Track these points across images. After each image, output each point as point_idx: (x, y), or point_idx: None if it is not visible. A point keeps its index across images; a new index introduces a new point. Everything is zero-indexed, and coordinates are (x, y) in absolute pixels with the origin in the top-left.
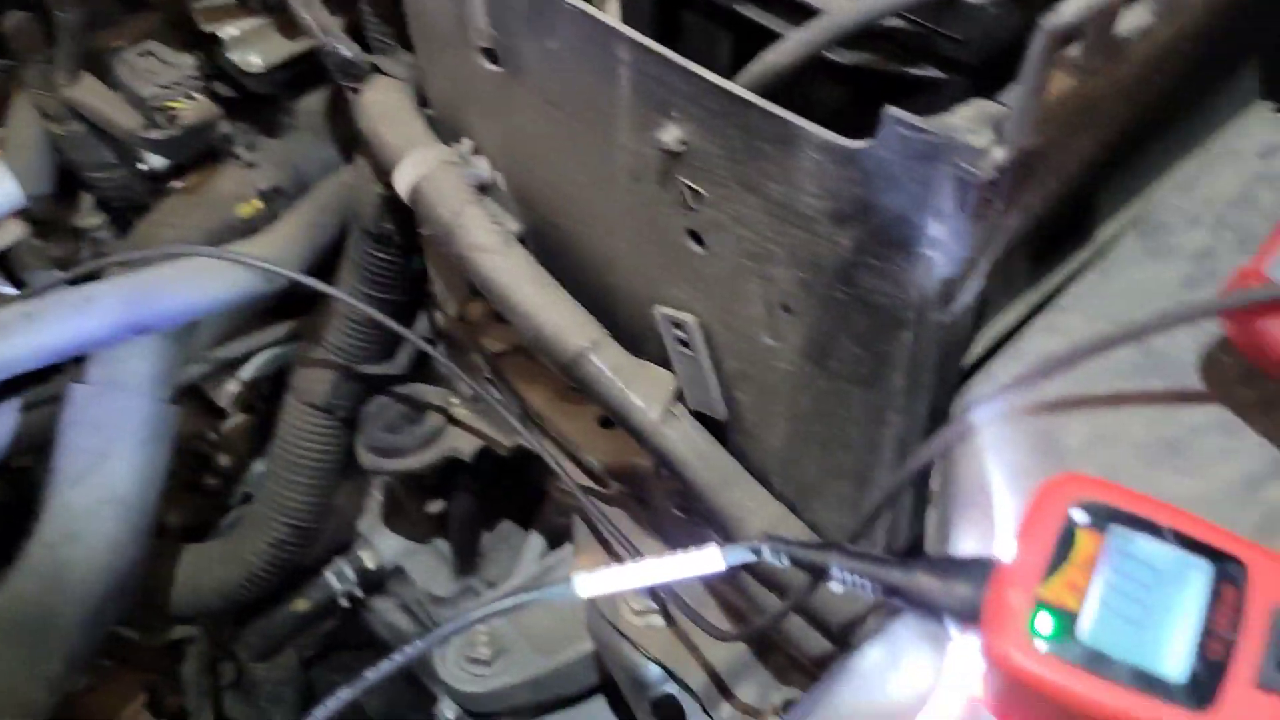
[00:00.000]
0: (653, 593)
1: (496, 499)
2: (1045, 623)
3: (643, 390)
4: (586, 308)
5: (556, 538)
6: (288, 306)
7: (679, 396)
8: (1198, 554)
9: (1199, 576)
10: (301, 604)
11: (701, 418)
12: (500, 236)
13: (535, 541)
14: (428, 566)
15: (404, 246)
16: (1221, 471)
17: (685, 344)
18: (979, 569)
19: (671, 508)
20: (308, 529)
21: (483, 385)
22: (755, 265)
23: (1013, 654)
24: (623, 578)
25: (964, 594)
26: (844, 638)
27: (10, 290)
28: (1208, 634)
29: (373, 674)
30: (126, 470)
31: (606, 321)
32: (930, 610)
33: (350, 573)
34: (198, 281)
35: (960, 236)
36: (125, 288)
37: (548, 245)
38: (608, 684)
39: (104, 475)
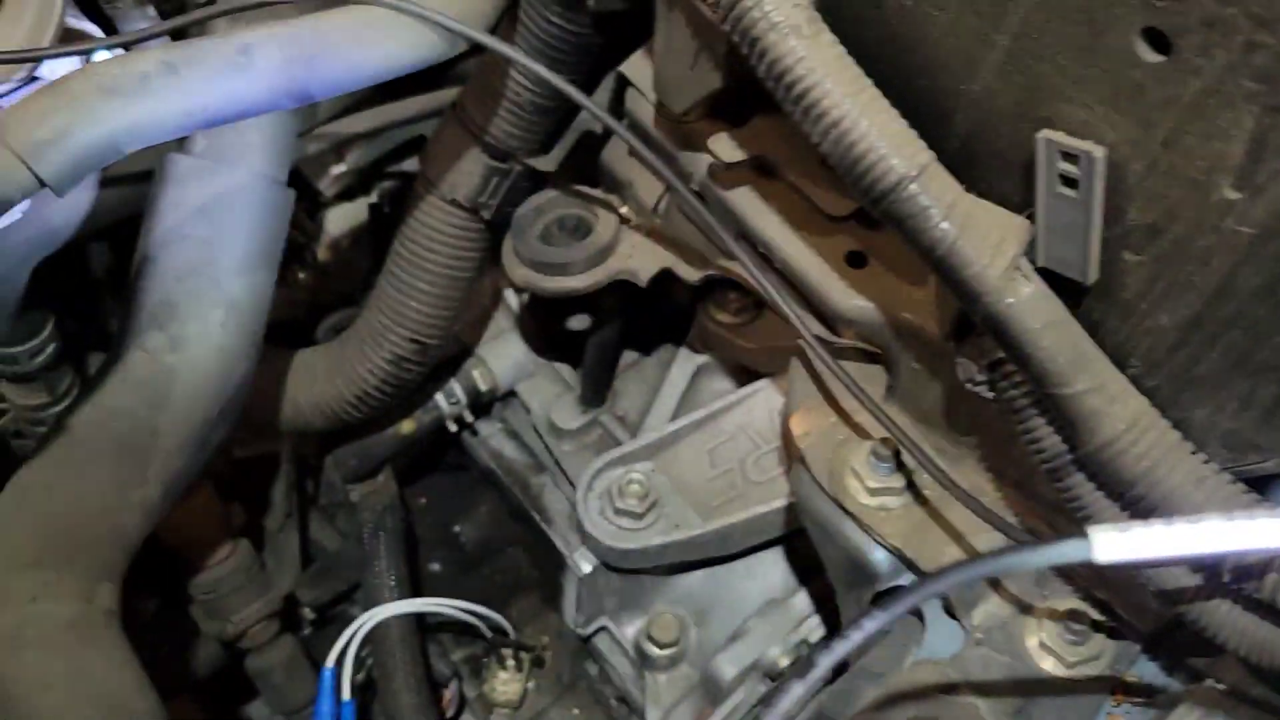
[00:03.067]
0: (901, 468)
1: (642, 326)
2: None
3: (981, 236)
4: (907, 119)
5: (695, 373)
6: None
7: (1028, 249)
8: None
9: None
10: (407, 425)
11: (1047, 276)
12: (805, 15)
13: (676, 377)
14: (546, 393)
15: (597, 14)
16: None
17: (1072, 183)
18: None
19: (958, 381)
20: (432, 345)
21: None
22: (1259, 88)
23: None
24: (1166, 542)
25: None
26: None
27: (93, 30)
28: None
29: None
30: (238, 264)
31: (932, 140)
32: None
33: (461, 394)
34: (372, 38)
35: None
36: (287, 41)
37: (854, 28)
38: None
39: (213, 269)
